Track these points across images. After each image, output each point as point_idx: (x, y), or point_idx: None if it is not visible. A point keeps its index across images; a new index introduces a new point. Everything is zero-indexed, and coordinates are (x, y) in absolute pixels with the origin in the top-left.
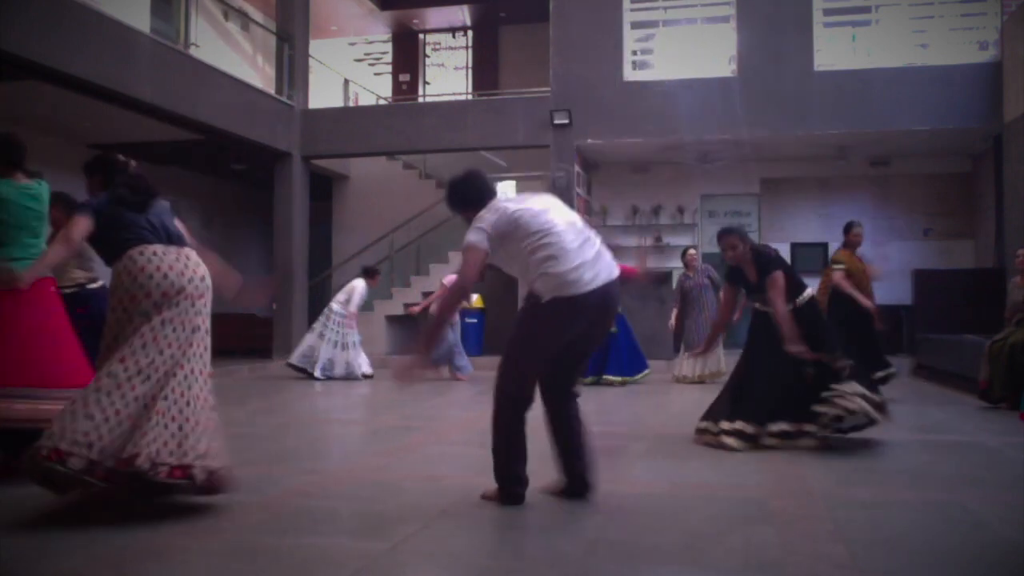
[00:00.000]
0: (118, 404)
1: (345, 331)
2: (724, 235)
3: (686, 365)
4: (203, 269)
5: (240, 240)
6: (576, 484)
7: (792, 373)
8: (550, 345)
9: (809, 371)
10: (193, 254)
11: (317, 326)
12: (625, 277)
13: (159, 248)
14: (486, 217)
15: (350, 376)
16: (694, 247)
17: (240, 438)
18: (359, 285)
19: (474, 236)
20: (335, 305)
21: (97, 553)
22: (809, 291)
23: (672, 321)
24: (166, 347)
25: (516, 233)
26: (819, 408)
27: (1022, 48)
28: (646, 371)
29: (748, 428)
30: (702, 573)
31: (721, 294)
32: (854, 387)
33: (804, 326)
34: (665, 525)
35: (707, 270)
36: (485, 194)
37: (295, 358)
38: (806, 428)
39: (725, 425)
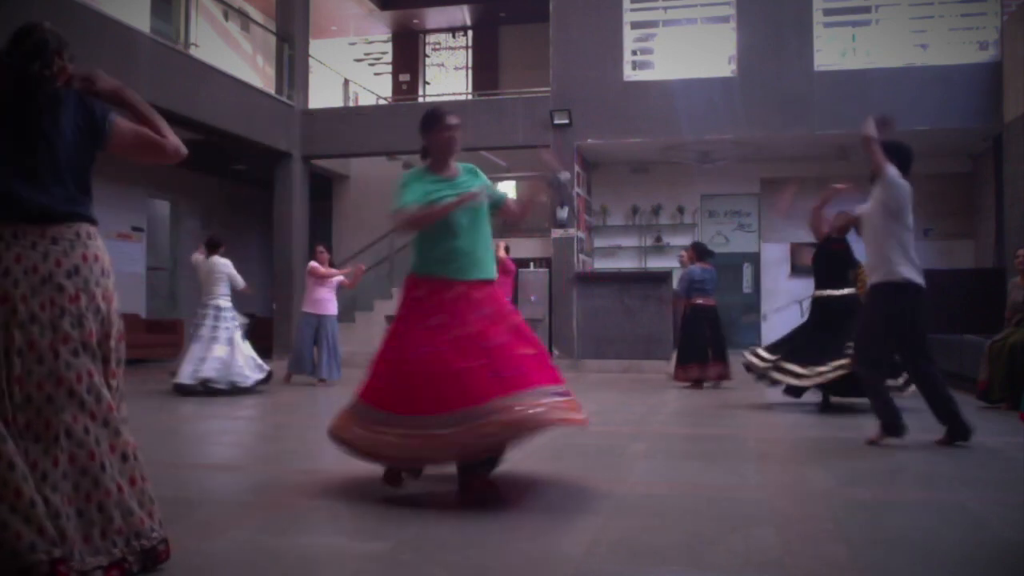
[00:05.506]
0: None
1: (235, 326)
2: None
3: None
4: (74, 257)
5: (240, 240)
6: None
7: None
8: None
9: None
10: (67, 232)
11: (206, 332)
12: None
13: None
14: None
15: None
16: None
17: (240, 438)
18: (218, 263)
19: None
20: (222, 301)
21: None
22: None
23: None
24: (35, 389)
25: None
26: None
27: (1022, 48)
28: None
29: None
30: (702, 573)
31: None
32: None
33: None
34: (665, 525)
35: None
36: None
37: (223, 383)
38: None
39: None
